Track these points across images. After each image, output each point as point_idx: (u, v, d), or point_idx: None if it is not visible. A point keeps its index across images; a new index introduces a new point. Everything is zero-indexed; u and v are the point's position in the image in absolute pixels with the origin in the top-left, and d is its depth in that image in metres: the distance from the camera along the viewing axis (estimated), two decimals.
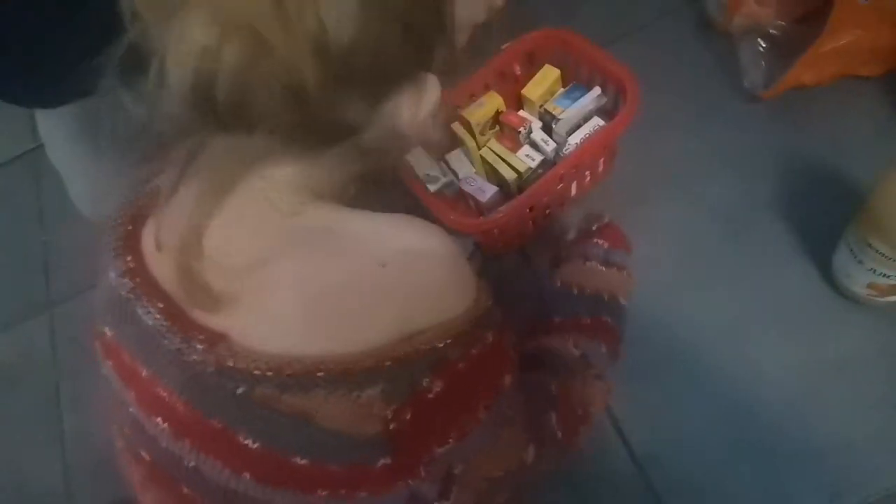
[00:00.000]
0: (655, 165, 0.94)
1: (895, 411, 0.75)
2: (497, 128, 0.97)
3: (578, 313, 0.77)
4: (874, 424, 0.75)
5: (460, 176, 0.92)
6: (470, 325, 0.54)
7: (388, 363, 0.49)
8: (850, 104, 0.91)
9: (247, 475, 0.51)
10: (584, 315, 0.77)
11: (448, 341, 0.52)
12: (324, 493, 0.51)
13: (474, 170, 0.94)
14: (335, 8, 0.45)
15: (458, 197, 0.94)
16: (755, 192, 0.90)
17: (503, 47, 0.94)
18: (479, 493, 0.61)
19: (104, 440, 0.63)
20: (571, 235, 0.85)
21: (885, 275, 0.73)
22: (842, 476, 0.74)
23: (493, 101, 0.94)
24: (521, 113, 0.96)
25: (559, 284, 0.80)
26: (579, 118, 0.91)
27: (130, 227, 0.57)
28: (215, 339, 0.50)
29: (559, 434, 0.67)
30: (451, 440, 0.55)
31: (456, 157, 0.94)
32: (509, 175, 0.91)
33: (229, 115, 0.48)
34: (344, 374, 0.48)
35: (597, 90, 0.91)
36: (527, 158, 0.91)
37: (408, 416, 0.51)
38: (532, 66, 0.96)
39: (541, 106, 0.94)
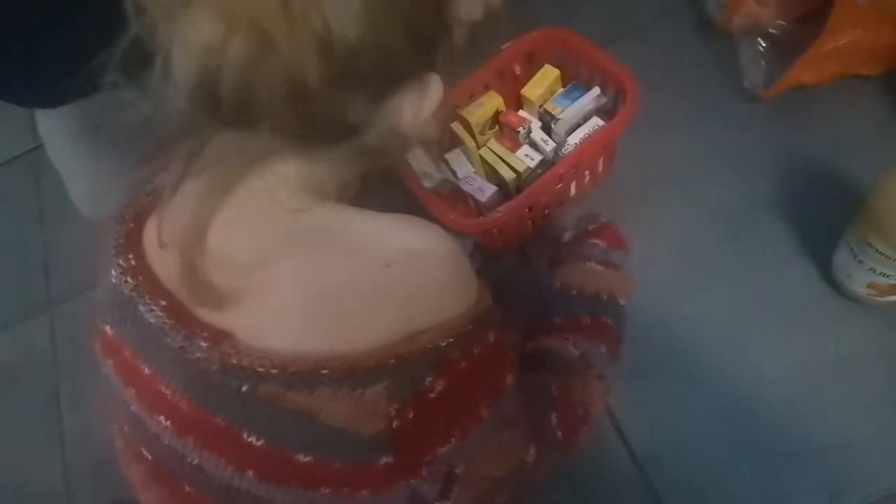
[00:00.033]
0: (655, 165, 0.94)
1: (895, 411, 0.75)
2: (496, 128, 0.97)
3: (578, 314, 0.77)
4: (874, 424, 0.75)
5: (460, 175, 0.92)
6: (471, 324, 0.54)
7: (392, 361, 0.49)
8: (850, 104, 0.91)
9: (250, 473, 0.51)
10: (583, 316, 0.77)
11: (450, 340, 0.52)
12: (326, 490, 0.51)
13: (473, 169, 0.94)
14: (340, 7, 0.45)
15: (457, 197, 0.94)
16: (755, 192, 0.90)
17: (503, 47, 0.94)
18: (479, 493, 0.61)
19: (104, 440, 0.63)
20: (568, 236, 0.85)
21: (885, 274, 0.73)
22: (842, 476, 0.74)
23: (492, 101, 0.94)
24: (521, 113, 0.96)
25: (558, 286, 0.80)
26: (578, 118, 0.91)
27: (132, 226, 0.57)
28: (219, 336, 0.50)
29: (559, 434, 0.68)
30: (452, 440, 0.55)
31: (455, 157, 0.94)
32: (508, 175, 0.91)
33: (233, 111, 0.48)
34: (348, 372, 0.48)
35: (596, 90, 0.91)
36: (526, 158, 0.91)
37: (411, 415, 0.51)
38: (532, 66, 0.96)
39: (540, 106, 0.94)
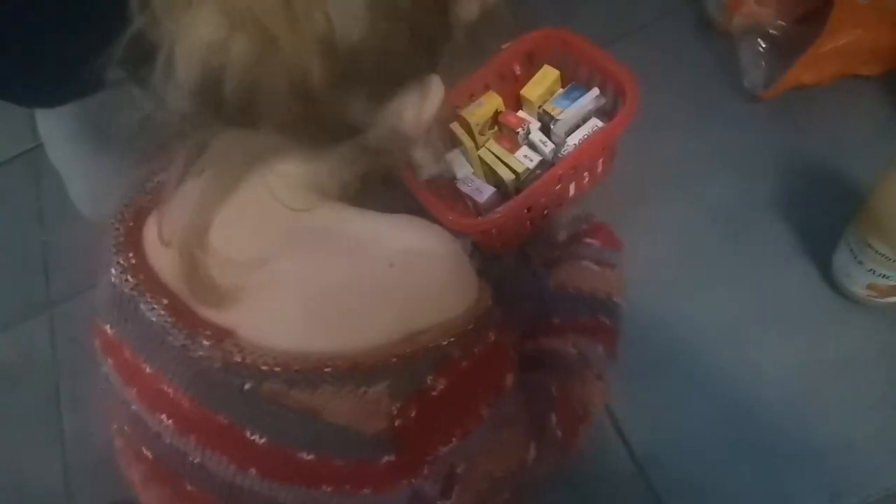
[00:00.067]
0: (655, 165, 0.94)
1: (895, 411, 0.75)
2: (496, 128, 0.97)
3: (576, 315, 0.78)
4: (874, 424, 0.75)
5: (458, 176, 0.92)
6: (471, 324, 0.55)
7: (394, 360, 0.50)
8: (850, 104, 0.91)
9: (253, 470, 0.51)
10: (581, 316, 0.77)
11: (451, 339, 0.52)
12: (329, 488, 0.51)
13: (472, 170, 0.94)
14: (343, 7, 0.45)
15: (456, 197, 0.94)
16: (755, 192, 0.90)
17: (503, 47, 0.94)
18: (480, 492, 0.61)
19: (104, 440, 0.63)
20: (563, 236, 0.86)
21: (884, 276, 0.73)
22: (842, 476, 0.74)
23: (492, 102, 0.94)
24: (520, 113, 0.96)
25: (555, 286, 0.81)
26: (578, 119, 0.91)
27: (132, 224, 0.57)
28: (222, 334, 0.50)
29: (559, 434, 0.68)
30: (454, 439, 0.55)
31: (454, 158, 0.94)
32: (507, 176, 0.91)
33: (236, 110, 0.48)
34: (351, 370, 0.49)
35: (595, 91, 0.91)
36: (525, 159, 0.91)
37: (412, 414, 0.51)
38: (532, 66, 0.96)
39: (540, 106, 0.94)
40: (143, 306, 0.53)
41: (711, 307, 0.84)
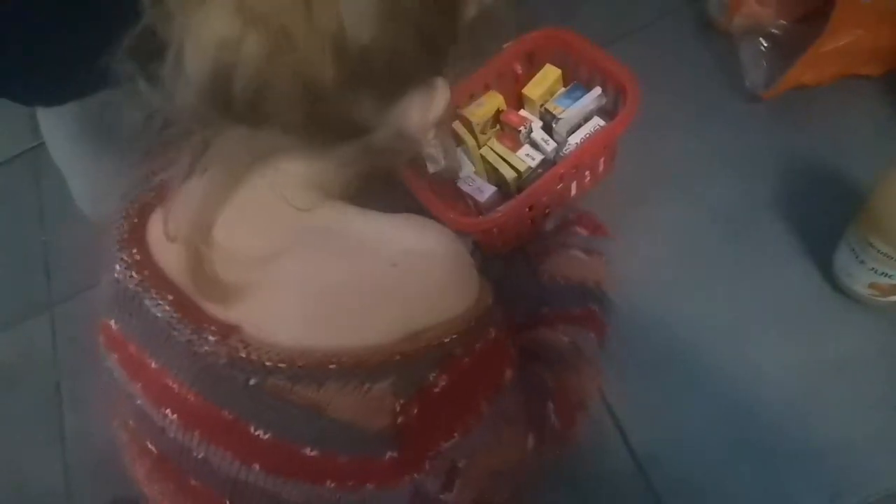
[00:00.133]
0: (655, 165, 0.94)
1: (895, 411, 0.75)
2: (497, 127, 0.97)
3: (567, 304, 0.78)
4: (874, 424, 0.75)
5: (460, 175, 0.92)
6: (472, 322, 0.55)
7: (398, 357, 0.50)
8: (851, 104, 0.91)
9: (256, 466, 0.51)
10: (572, 306, 0.78)
11: (453, 337, 0.53)
12: (332, 484, 0.52)
13: (474, 169, 0.94)
14: (355, 8, 0.45)
15: (457, 196, 0.94)
16: (755, 192, 0.90)
17: (503, 47, 0.94)
18: (481, 486, 0.62)
19: (104, 440, 0.63)
20: (550, 226, 0.86)
21: (886, 274, 0.73)
22: (842, 476, 0.74)
23: (493, 101, 0.94)
24: (522, 112, 0.96)
25: (545, 276, 0.81)
26: (580, 118, 0.91)
27: (136, 221, 0.57)
28: (227, 330, 0.51)
29: (557, 424, 0.68)
30: (455, 434, 0.56)
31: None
32: (509, 174, 0.91)
33: (245, 107, 0.48)
34: (356, 367, 0.49)
35: (597, 90, 0.91)
36: (527, 158, 0.91)
37: (415, 411, 0.52)
38: (532, 65, 0.96)
39: (541, 105, 0.94)
40: (147, 302, 0.53)
41: (711, 307, 0.84)
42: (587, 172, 0.92)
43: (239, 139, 0.51)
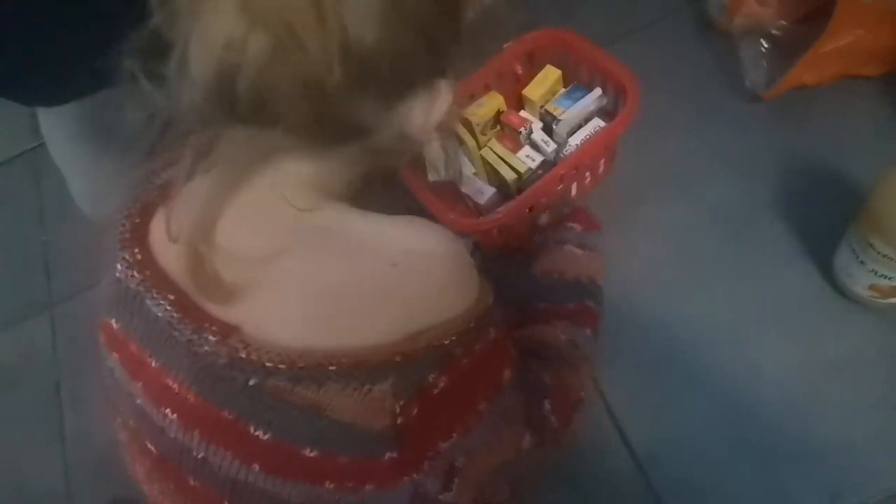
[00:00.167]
0: (655, 165, 0.94)
1: (895, 412, 0.75)
2: (497, 128, 0.97)
3: (562, 300, 0.78)
4: (874, 424, 0.75)
5: (461, 185, 0.92)
6: (472, 322, 0.55)
7: (398, 358, 0.50)
8: (851, 104, 0.91)
9: (256, 466, 0.51)
10: (567, 302, 0.78)
11: (453, 338, 0.53)
12: (331, 485, 0.52)
13: (474, 170, 0.94)
14: (359, 9, 0.46)
15: (457, 197, 0.94)
16: (755, 192, 0.90)
17: (504, 47, 0.94)
18: (479, 484, 0.62)
19: (104, 440, 0.63)
20: (543, 220, 0.86)
21: (886, 276, 0.73)
22: (842, 476, 0.74)
23: (493, 101, 0.94)
24: (522, 113, 0.96)
25: (539, 272, 0.81)
26: (580, 119, 0.91)
27: (138, 221, 0.57)
28: (228, 330, 0.51)
29: (554, 421, 0.68)
30: (454, 434, 0.56)
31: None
32: (509, 175, 0.91)
33: (249, 108, 0.48)
34: (355, 368, 0.49)
35: (598, 91, 0.91)
36: (527, 159, 0.91)
37: (415, 412, 0.52)
38: (532, 66, 0.96)
39: (542, 106, 0.94)
40: (148, 301, 0.53)
41: (711, 307, 0.84)
42: (587, 173, 0.92)
43: (242, 139, 0.51)
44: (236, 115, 0.49)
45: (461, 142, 0.94)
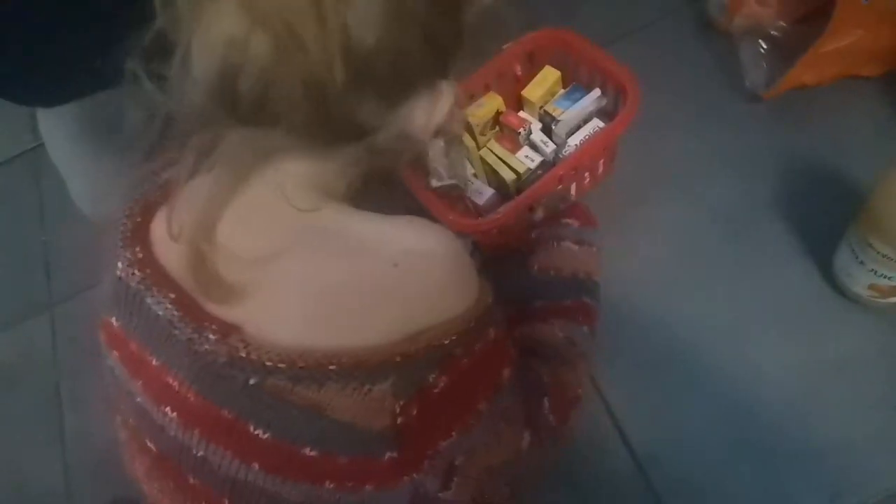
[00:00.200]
0: (655, 165, 0.94)
1: (895, 411, 0.75)
2: (497, 128, 0.97)
3: (559, 297, 0.78)
4: (874, 424, 0.75)
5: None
6: (472, 322, 0.55)
7: (398, 358, 0.50)
8: (851, 104, 0.91)
9: (256, 465, 0.51)
10: (564, 298, 0.78)
11: (453, 338, 0.53)
12: (331, 485, 0.52)
13: (473, 171, 0.94)
14: (361, 10, 0.46)
15: (457, 197, 0.94)
16: (755, 192, 0.90)
17: (503, 47, 0.94)
18: (478, 483, 0.62)
19: (104, 440, 0.63)
20: (539, 215, 0.86)
21: (886, 276, 0.73)
22: (842, 476, 0.74)
23: (492, 102, 0.94)
24: (521, 114, 0.96)
25: (536, 268, 0.81)
26: (579, 120, 0.91)
27: (139, 219, 0.58)
28: (228, 329, 0.51)
29: (552, 419, 0.68)
30: (453, 434, 0.56)
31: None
32: (508, 176, 0.91)
33: (251, 108, 0.49)
34: (355, 368, 0.49)
35: (596, 92, 0.91)
36: (526, 159, 0.91)
37: (414, 412, 0.52)
38: (532, 66, 0.96)
39: (541, 107, 0.94)
40: (149, 300, 0.54)
41: (711, 307, 0.84)
42: (587, 174, 0.92)
43: (244, 139, 0.51)
44: (238, 115, 0.49)
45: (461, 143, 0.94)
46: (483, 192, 0.91)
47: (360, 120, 0.51)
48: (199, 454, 0.53)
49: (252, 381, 0.49)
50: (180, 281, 0.54)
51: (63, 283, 1.19)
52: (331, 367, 0.49)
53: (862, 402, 0.76)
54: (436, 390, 0.52)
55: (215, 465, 0.52)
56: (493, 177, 0.94)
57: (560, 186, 0.88)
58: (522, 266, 0.82)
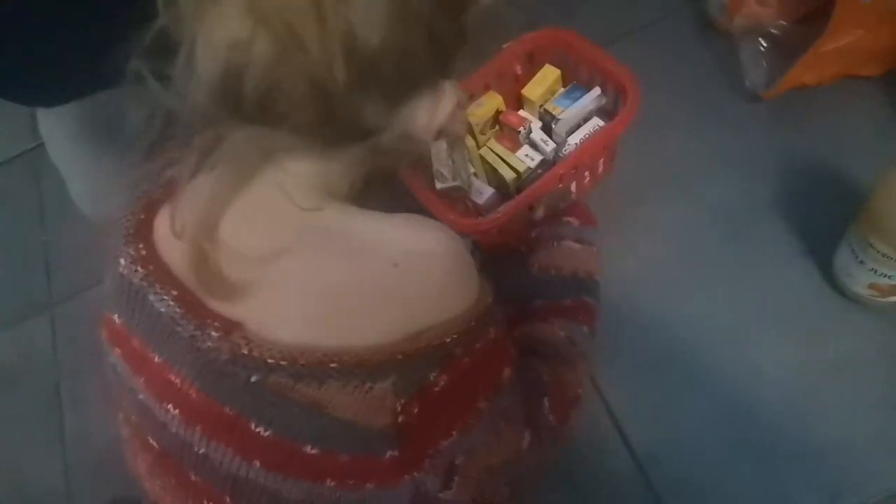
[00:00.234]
0: (655, 165, 0.94)
1: (895, 411, 0.75)
2: (497, 127, 0.97)
3: (559, 296, 0.78)
4: (874, 424, 0.75)
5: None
6: (472, 321, 0.55)
7: (399, 357, 0.50)
8: (851, 104, 0.91)
9: (257, 463, 0.52)
10: (564, 297, 0.78)
11: (453, 337, 0.53)
12: (332, 483, 0.52)
13: (473, 170, 0.94)
14: (365, 10, 0.46)
15: (457, 197, 0.94)
16: (755, 192, 0.90)
17: (503, 47, 0.94)
18: (479, 482, 0.62)
19: (104, 440, 0.63)
20: (539, 214, 0.85)
21: (886, 275, 0.73)
22: (842, 476, 0.74)
23: (492, 101, 0.94)
24: (521, 113, 0.96)
25: (536, 267, 0.81)
26: (579, 118, 0.91)
27: (143, 217, 0.58)
28: (230, 327, 0.51)
29: (552, 419, 0.68)
30: (454, 433, 0.56)
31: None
32: (508, 175, 0.91)
33: (255, 108, 0.49)
34: (357, 366, 0.49)
35: (597, 90, 0.91)
36: (526, 158, 0.91)
37: (415, 410, 0.52)
38: (532, 66, 0.96)
39: (541, 106, 0.94)
40: (151, 297, 0.54)
41: (711, 307, 0.84)
42: (587, 173, 0.92)
43: (247, 139, 0.51)
44: (242, 114, 0.49)
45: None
46: (483, 192, 0.91)
47: (364, 120, 0.52)
48: (200, 451, 0.53)
49: (254, 379, 0.49)
50: (183, 278, 0.54)
51: (63, 283, 1.19)
52: (332, 365, 0.49)
53: (862, 402, 0.76)
54: (436, 389, 0.53)
55: (217, 463, 0.52)
56: (493, 176, 0.94)
57: (560, 185, 0.88)
58: (522, 265, 0.82)
